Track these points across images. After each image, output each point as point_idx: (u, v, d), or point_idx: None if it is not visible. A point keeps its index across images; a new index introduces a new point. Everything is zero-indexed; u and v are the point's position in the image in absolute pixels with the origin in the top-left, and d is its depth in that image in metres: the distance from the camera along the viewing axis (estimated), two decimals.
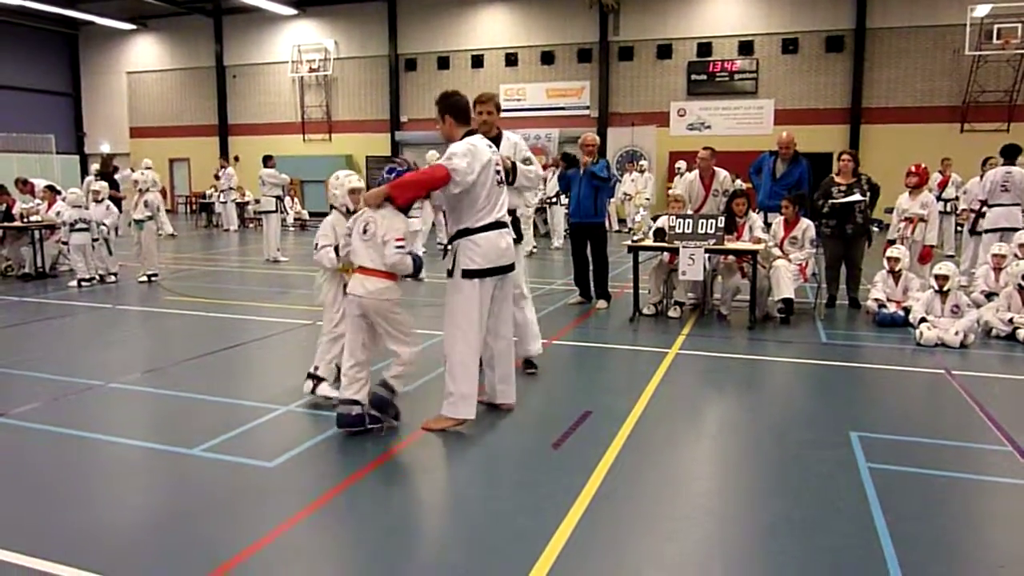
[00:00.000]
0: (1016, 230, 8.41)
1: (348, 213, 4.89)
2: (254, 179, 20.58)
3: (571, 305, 8.65)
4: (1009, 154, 9.28)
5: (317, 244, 4.87)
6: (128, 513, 3.55)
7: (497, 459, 4.13)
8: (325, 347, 5.02)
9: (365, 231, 4.29)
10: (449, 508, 3.53)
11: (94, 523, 3.38)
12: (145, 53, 27.13)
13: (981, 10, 17.93)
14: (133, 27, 26.36)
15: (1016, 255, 7.48)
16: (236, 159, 25.81)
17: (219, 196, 20.07)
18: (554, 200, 14.98)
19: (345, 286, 4.89)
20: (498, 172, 4.44)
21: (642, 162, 18.75)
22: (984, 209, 9.38)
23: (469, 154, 4.28)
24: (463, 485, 3.76)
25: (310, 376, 5.06)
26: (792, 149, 8.75)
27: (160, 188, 12.72)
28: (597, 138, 8.72)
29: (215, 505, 3.55)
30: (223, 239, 18.21)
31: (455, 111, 4.50)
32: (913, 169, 8.23)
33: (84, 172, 26.46)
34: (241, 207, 20.86)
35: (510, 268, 4.57)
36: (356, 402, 4.35)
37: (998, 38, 18.00)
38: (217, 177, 20.04)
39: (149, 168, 13.93)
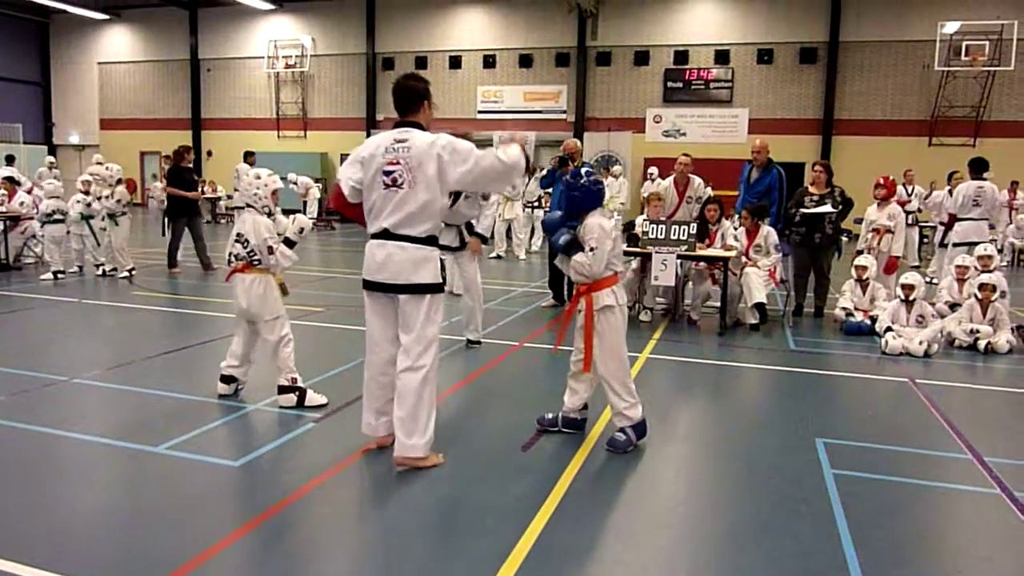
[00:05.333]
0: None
1: (268, 214, 4.86)
2: (227, 175, 20.40)
3: (544, 308, 8.67)
4: (978, 168, 9.36)
5: (272, 248, 4.74)
6: (87, 511, 3.48)
7: (466, 461, 4.12)
8: (289, 354, 4.88)
9: None
10: (416, 508, 3.51)
11: (52, 521, 3.31)
12: (117, 44, 26.70)
13: (951, 27, 18.31)
14: (106, 17, 25.93)
15: (976, 267, 7.64)
16: (209, 154, 25.52)
17: None
18: (536, 203, 14.89)
19: (283, 286, 4.89)
20: (387, 174, 3.72)
21: (616, 167, 18.84)
22: (950, 223, 9.49)
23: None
24: (431, 486, 3.74)
25: (289, 389, 4.85)
26: (764, 155, 8.78)
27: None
28: (579, 143, 8.79)
29: (177, 504, 3.50)
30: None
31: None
32: (881, 181, 8.36)
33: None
34: (213, 203, 20.64)
35: (391, 288, 3.80)
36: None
37: (966, 55, 18.38)
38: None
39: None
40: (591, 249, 4.17)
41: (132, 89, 26.83)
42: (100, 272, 10.40)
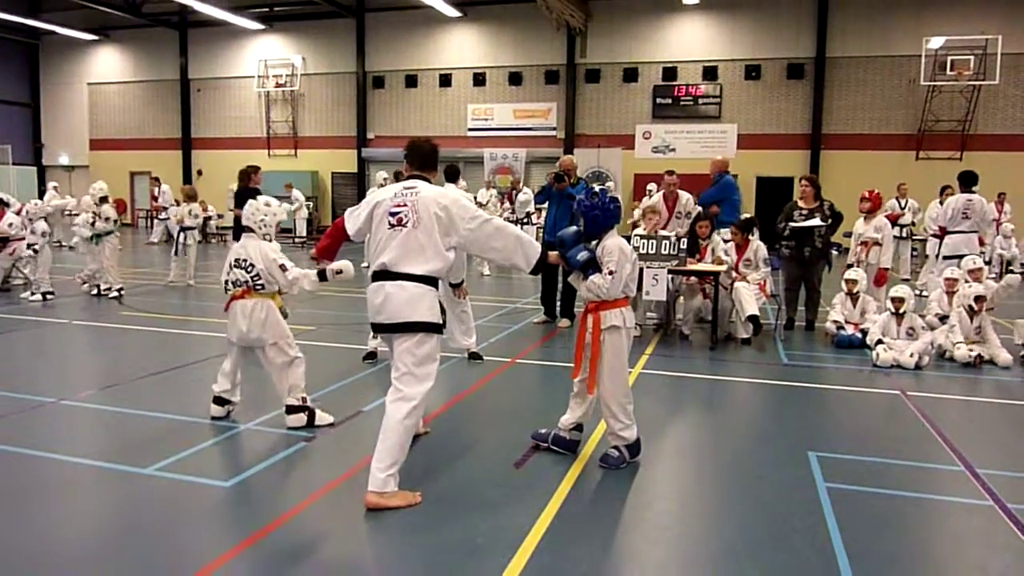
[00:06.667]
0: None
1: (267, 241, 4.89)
2: (218, 194, 20.37)
3: (536, 324, 8.66)
4: (967, 181, 9.44)
5: (284, 266, 4.74)
6: (74, 534, 3.44)
7: (458, 478, 4.09)
8: (301, 374, 4.86)
9: None
10: (407, 528, 3.48)
11: (40, 545, 3.27)
12: (107, 64, 26.72)
13: (936, 42, 18.53)
14: (95, 38, 25.96)
15: (967, 280, 7.68)
16: (199, 173, 25.51)
17: (157, 214, 20.00)
18: (525, 220, 14.97)
19: (283, 310, 4.89)
20: (393, 214, 3.77)
21: (608, 183, 18.92)
22: (939, 235, 9.55)
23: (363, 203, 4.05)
24: (421, 504, 3.70)
25: (298, 409, 4.81)
26: (713, 169, 9.37)
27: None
28: (575, 160, 8.88)
29: (166, 526, 3.46)
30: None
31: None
32: (866, 195, 8.44)
33: (41, 183, 25.97)
34: (204, 221, 20.60)
35: (390, 328, 3.76)
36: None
37: (951, 69, 18.59)
38: (155, 198, 19.95)
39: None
40: (610, 272, 4.12)
41: (122, 109, 26.82)
42: (95, 292, 10.36)
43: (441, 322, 3.87)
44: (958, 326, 7.19)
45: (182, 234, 11.91)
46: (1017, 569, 3.23)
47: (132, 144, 26.54)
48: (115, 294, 10.21)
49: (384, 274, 3.76)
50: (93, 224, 10.23)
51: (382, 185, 10.35)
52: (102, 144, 26.95)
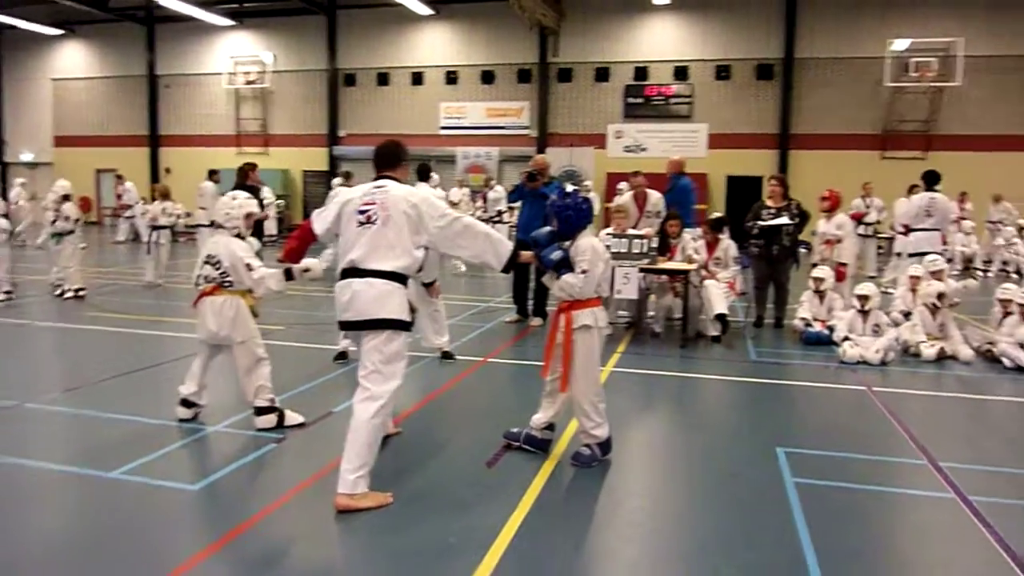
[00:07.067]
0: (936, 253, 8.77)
1: (238, 236, 4.83)
2: (188, 192, 20.05)
3: (508, 323, 8.66)
4: (930, 181, 9.67)
5: (250, 265, 4.68)
6: (38, 540, 3.37)
7: (430, 478, 4.09)
8: (266, 374, 4.83)
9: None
10: (377, 529, 3.46)
11: (3, 551, 3.20)
12: (72, 60, 26.19)
13: (899, 44, 18.86)
14: (60, 32, 25.44)
15: (927, 279, 7.84)
16: (167, 171, 25.12)
17: (122, 212, 19.71)
18: (496, 218, 14.95)
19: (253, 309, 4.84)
20: (362, 212, 3.75)
21: (586, 182, 18.93)
22: (904, 232, 9.73)
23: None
24: (393, 505, 3.69)
25: (267, 410, 4.77)
26: (669, 172, 9.50)
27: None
28: (548, 159, 8.91)
29: (131, 531, 3.41)
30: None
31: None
32: (826, 194, 8.60)
33: (3, 181, 25.40)
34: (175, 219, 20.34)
35: (357, 326, 3.76)
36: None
37: (915, 71, 18.95)
38: (119, 196, 19.64)
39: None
40: (583, 271, 4.14)
41: (88, 106, 26.31)
42: (58, 293, 10.16)
43: (410, 320, 3.84)
44: (921, 322, 7.34)
45: (154, 233, 11.71)
46: (978, 560, 3.31)
47: (98, 141, 26.04)
48: (72, 294, 10.01)
49: (352, 271, 3.73)
50: (54, 223, 10.04)
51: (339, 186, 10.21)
52: (67, 141, 26.41)
